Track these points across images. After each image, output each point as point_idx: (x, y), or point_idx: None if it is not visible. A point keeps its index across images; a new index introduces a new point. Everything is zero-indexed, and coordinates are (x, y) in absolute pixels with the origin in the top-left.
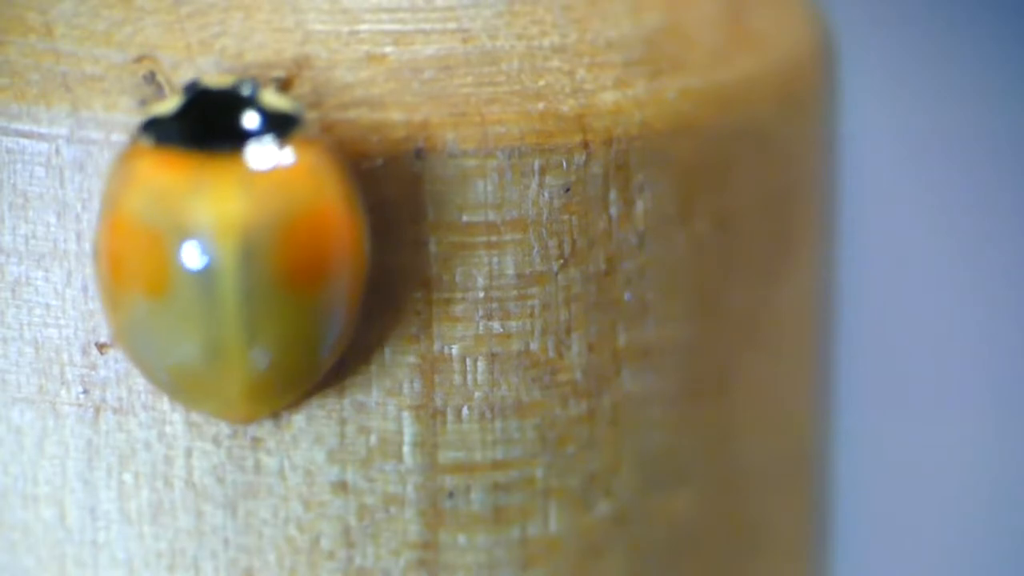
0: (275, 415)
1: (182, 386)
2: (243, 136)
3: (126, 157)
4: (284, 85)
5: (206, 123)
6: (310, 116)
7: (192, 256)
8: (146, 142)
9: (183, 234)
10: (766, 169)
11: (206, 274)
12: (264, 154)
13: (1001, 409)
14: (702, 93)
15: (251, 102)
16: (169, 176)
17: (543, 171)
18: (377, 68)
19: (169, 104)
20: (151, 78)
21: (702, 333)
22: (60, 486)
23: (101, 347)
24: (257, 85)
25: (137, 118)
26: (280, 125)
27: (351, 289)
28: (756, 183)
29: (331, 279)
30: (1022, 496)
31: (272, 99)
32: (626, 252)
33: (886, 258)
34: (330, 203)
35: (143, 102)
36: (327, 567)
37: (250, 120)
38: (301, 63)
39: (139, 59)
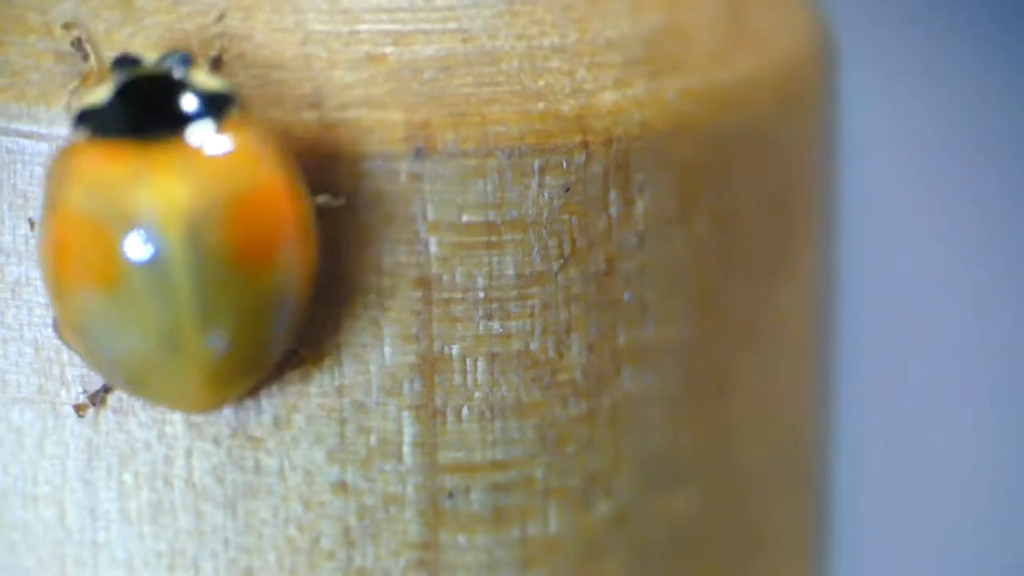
0: (236, 404)
1: (139, 379)
2: (178, 120)
3: (63, 154)
4: (216, 63)
5: (139, 110)
6: (241, 93)
7: (139, 246)
8: (81, 135)
9: (128, 224)
10: (766, 169)
11: (155, 262)
12: (200, 137)
13: (1001, 409)
14: (702, 93)
15: (183, 84)
16: (108, 168)
17: (543, 171)
18: (377, 68)
19: (100, 93)
20: (78, 44)
21: (702, 333)
22: (60, 486)
23: (78, 408)
24: (188, 63)
25: (70, 111)
26: (214, 106)
27: (301, 268)
28: (756, 183)
29: (280, 257)
30: (1022, 496)
31: (204, 79)
32: (626, 252)
33: (886, 258)
34: (271, 180)
35: (73, 92)
36: (327, 567)
37: (184, 103)
38: (229, 38)
39: (66, 26)
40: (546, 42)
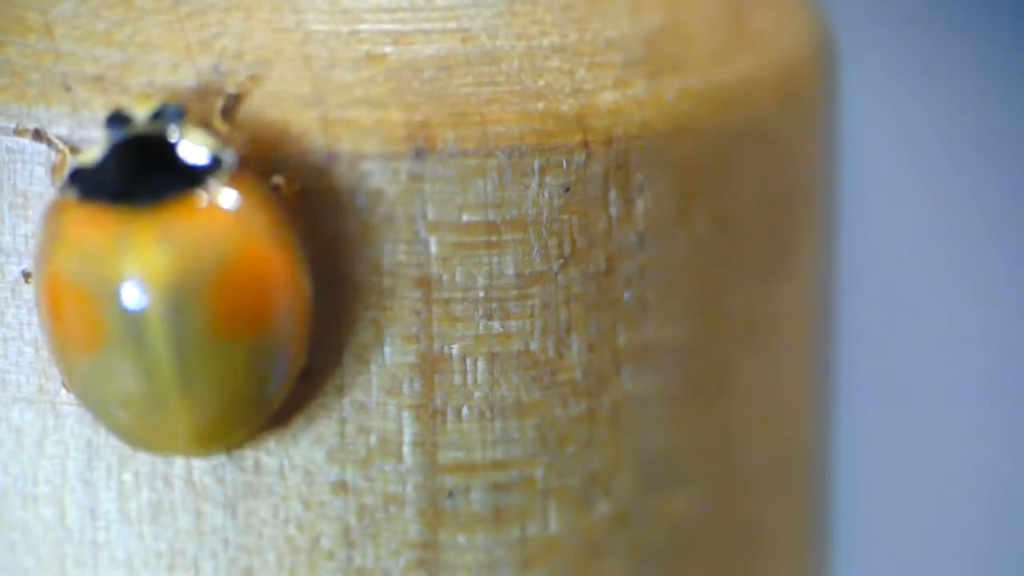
0: (238, 445)
1: (133, 433)
2: (164, 188)
3: (54, 211)
4: (231, 104)
5: (128, 174)
6: (234, 153)
7: (121, 313)
8: (72, 195)
9: (111, 291)
10: (766, 169)
11: (136, 330)
12: (187, 204)
13: (1001, 409)
14: (702, 93)
15: (173, 147)
16: (94, 232)
17: (543, 171)
18: (377, 68)
19: (92, 153)
20: (40, 138)
21: (702, 333)
22: (60, 486)
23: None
24: (180, 118)
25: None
26: (204, 169)
27: (295, 326)
28: (756, 183)
29: (269, 323)
30: (1022, 496)
31: (196, 140)
32: (626, 252)
33: (886, 258)
34: (259, 246)
35: (53, 171)
36: (327, 567)
37: (172, 170)
38: (256, 80)
39: (19, 132)
40: (546, 42)
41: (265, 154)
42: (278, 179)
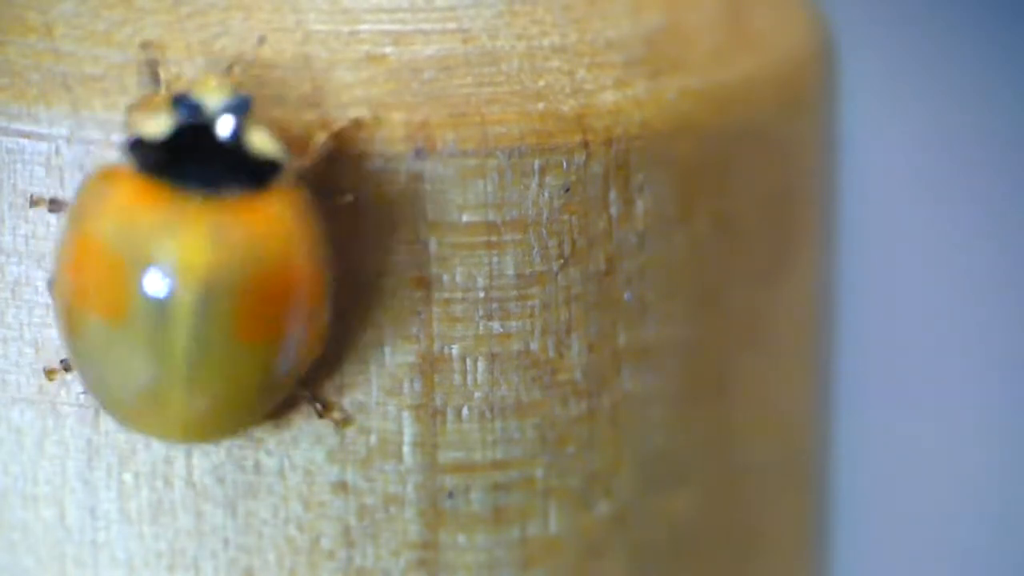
0: (219, 441)
1: (122, 408)
2: (222, 179)
3: (105, 176)
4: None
5: (188, 157)
6: (293, 162)
7: (149, 292)
8: (127, 165)
9: (147, 267)
10: (766, 169)
11: (160, 311)
12: (242, 204)
13: (1001, 409)
14: (702, 93)
15: (238, 141)
16: (143, 206)
17: (543, 171)
18: (377, 68)
19: (156, 127)
20: (152, 67)
21: (702, 333)
22: (60, 486)
23: (48, 373)
24: (246, 110)
25: (125, 127)
26: (261, 170)
27: (309, 338)
28: (756, 183)
29: (286, 337)
30: (1022, 496)
31: (260, 140)
32: (626, 252)
33: (886, 258)
34: (301, 259)
35: (130, 108)
36: (327, 567)
37: (233, 163)
38: (357, 124)
39: (143, 45)
40: (546, 42)
41: (319, 166)
42: (344, 197)
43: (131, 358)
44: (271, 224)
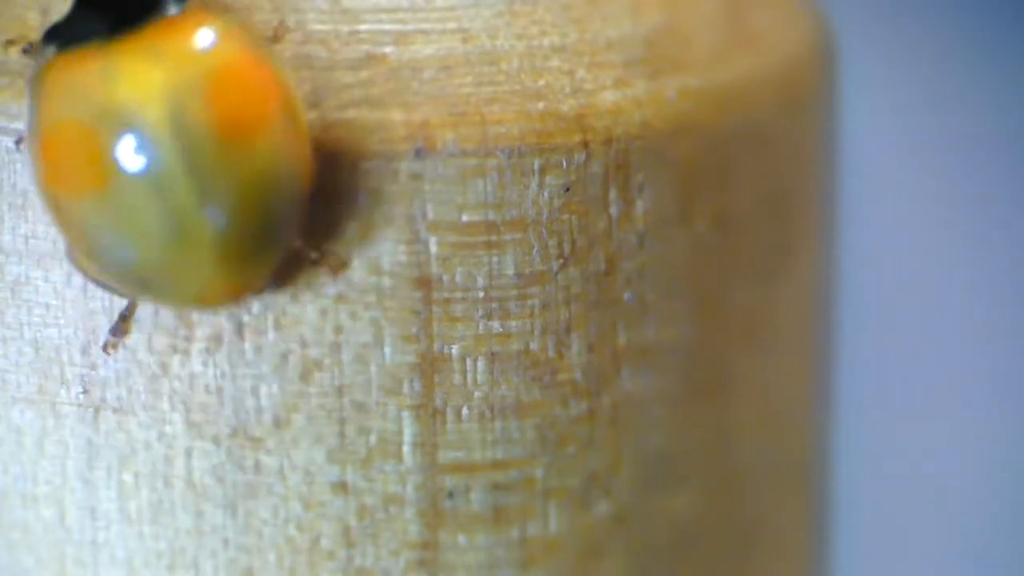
0: (256, 296)
1: (152, 279)
2: (139, 12)
3: (37, 76)
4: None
5: (99, 12)
6: None
7: (124, 138)
8: (50, 54)
9: (109, 120)
10: (766, 169)
11: (143, 151)
12: (164, 23)
13: (1001, 409)
14: (702, 93)
15: None
16: (79, 72)
17: (543, 171)
18: (377, 68)
19: (59, 17)
20: (30, 51)
21: (702, 333)
22: (60, 486)
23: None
24: None
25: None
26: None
27: (292, 142)
28: (756, 183)
29: (266, 128)
30: (1022, 496)
31: None
32: (626, 252)
33: (886, 258)
34: (243, 55)
35: (28, 47)
36: (327, 567)
37: (128, 6)
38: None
39: (8, 43)
40: (546, 42)
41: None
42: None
43: (137, 214)
44: (203, 31)
